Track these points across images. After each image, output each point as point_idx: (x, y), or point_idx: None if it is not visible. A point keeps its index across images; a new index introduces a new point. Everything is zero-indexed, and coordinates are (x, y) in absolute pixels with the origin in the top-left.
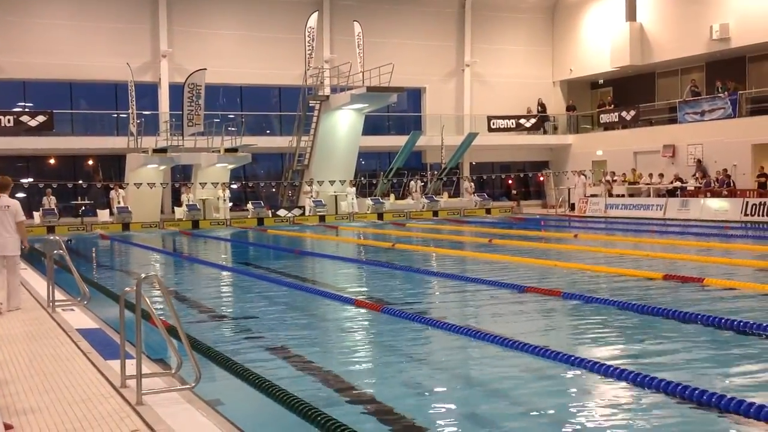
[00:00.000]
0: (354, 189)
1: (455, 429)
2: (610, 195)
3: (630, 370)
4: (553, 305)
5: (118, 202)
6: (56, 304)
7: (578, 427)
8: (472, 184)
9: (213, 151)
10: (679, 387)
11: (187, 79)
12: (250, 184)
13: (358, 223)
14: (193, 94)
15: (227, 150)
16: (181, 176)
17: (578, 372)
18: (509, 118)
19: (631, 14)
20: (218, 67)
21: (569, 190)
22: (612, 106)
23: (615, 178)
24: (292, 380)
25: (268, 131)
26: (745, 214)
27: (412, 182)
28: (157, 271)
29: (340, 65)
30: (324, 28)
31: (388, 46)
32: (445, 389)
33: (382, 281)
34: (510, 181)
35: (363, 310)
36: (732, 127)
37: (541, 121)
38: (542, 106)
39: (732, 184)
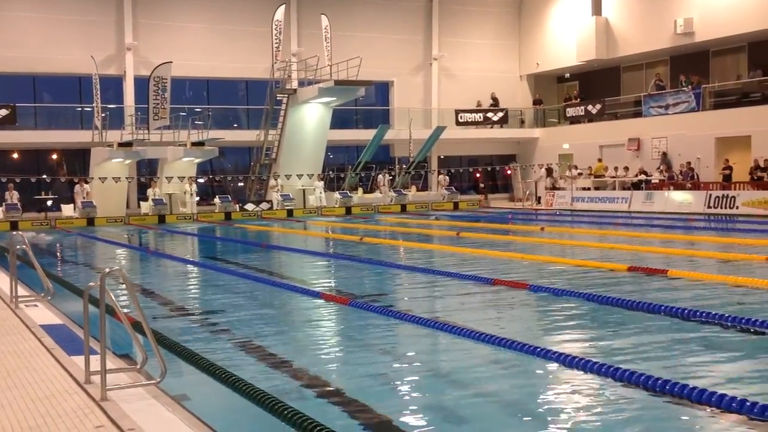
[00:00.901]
0: (322, 183)
1: (423, 421)
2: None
3: (595, 360)
4: (520, 297)
5: (83, 197)
6: (19, 299)
7: (544, 417)
8: (447, 177)
9: (179, 145)
10: (643, 377)
11: (152, 72)
12: (218, 179)
13: (326, 217)
14: (158, 88)
15: (194, 144)
16: (146, 170)
17: (545, 363)
18: (477, 111)
19: (597, 9)
20: (184, 60)
21: (536, 183)
22: (578, 99)
23: (580, 171)
24: (258, 374)
25: (235, 125)
26: (709, 207)
27: (380, 176)
28: (123, 266)
29: (307, 58)
30: (291, 21)
31: (355, 39)
32: (413, 381)
33: (351, 275)
34: (478, 175)
35: (331, 304)
36: (696, 121)
37: (506, 115)
38: (495, 100)
39: (696, 177)
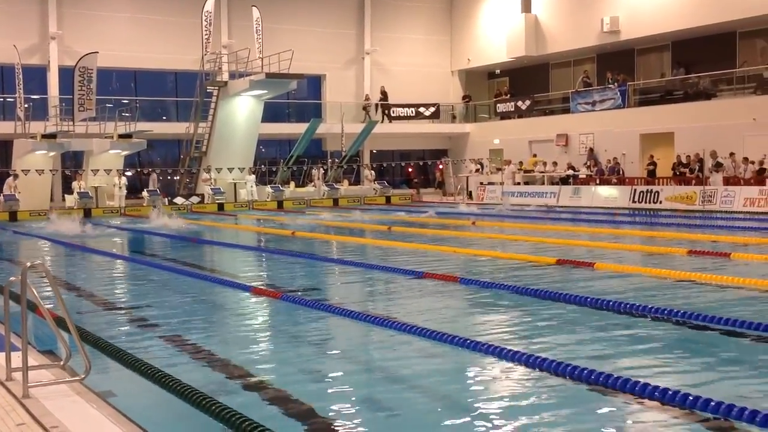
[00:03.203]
0: (253, 177)
1: (354, 414)
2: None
3: (524, 351)
4: (450, 290)
5: (11, 191)
6: None
7: (474, 408)
8: (373, 171)
9: (106, 137)
10: (570, 367)
11: (77, 62)
12: (146, 171)
13: (258, 211)
14: (84, 78)
15: (121, 136)
16: (71, 163)
17: (475, 354)
18: (409, 106)
19: (527, 6)
20: (111, 50)
21: (467, 178)
22: (508, 95)
23: (509, 166)
24: (187, 369)
25: (164, 117)
26: (633, 201)
27: (315, 170)
28: (46, 260)
29: (238, 51)
30: (221, 13)
31: (287, 32)
32: (344, 375)
33: (282, 269)
34: (410, 169)
35: (262, 298)
36: (621, 117)
37: (437, 110)
38: (384, 94)
39: (621, 173)
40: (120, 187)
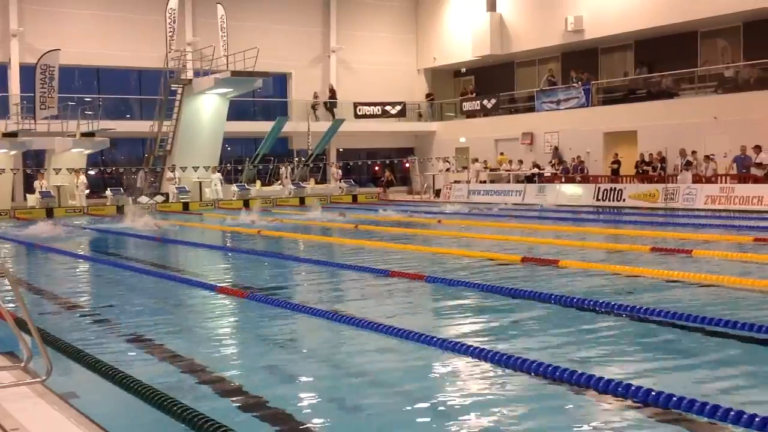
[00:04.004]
0: (219, 175)
1: (322, 413)
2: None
3: (489, 349)
4: (417, 288)
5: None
6: None
7: (441, 405)
8: (339, 170)
9: (68, 136)
10: (534, 364)
11: (39, 59)
12: (109, 170)
13: (224, 210)
14: (45, 76)
15: (83, 134)
16: (33, 162)
17: (441, 352)
18: (375, 104)
19: (492, 5)
20: (73, 47)
21: (434, 176)
22: (474, 94)
23: (475, 164)
24: (151, 370)
25: (127, 116)
26: (597, 199)
27: (283, 168)
28: (6, 260)
29: (203, 48)
30: (186, 10)
31: (252, 30)
32: (310, 373)
33: (249, 268)
34: (376, 168)
35: (228, 298)
36: (585, 116)
37: (404, 108)
38: (332, 92)
39: (585, 171)
40: (77, 186)
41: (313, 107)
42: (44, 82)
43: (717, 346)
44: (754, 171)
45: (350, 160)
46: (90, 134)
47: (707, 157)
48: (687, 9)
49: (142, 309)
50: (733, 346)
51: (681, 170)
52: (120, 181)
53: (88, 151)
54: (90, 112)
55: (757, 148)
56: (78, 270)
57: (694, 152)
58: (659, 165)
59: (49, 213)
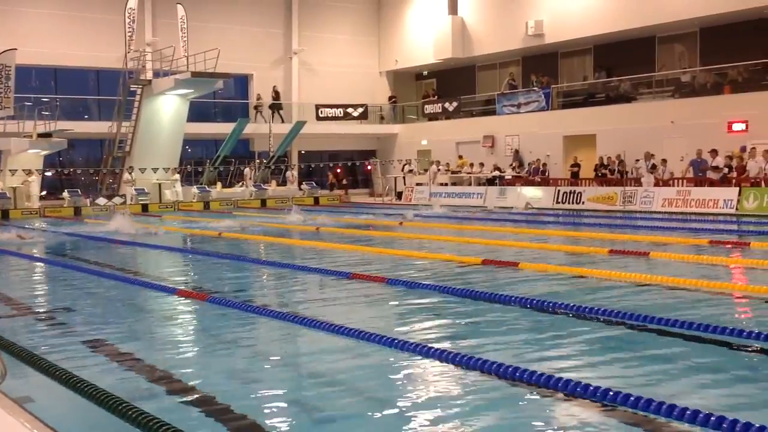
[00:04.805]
0: (179, 177)
1: (283, 416)
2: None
3: (450, 350)
4: (378, 291)
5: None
6: None
7: (403, 408)
8: (294, 172)
9: (24, 137)
10: (495, 365)
11: None
12: (66, 171)
13: (184, 212)
14: (1, 76)
15: (40, 135)
16: None
17: (402, 354)
18: (337, 106)
19: (453, 8)
20: (30, 47)
21: (395, 179)
22: (435, 97)
23: (439, 167)
24: (109, 374)
25: (85, 116)
26: (557, 202)
27: (246, 170)
28: None
29: (162, 49)
30: (145, 10)
31: (213, 30)
32: (271, 376)
33: (210, 271)
34: (338, 170)
35: (188, 300)
36: (545, 120)
37: (366, 110)
38: (276, 94)
39: (547, 174)
40: (26, 185)
41: (256, 108)
42: (0, 81)
43: (673, 346)
44: (710, 174)
45: (312, 162)
46: (47, 135)
47: (664, 161)
48: (645, 14)
49: (100, 312)
50: (689, 346)
51: (648, 172)
52: (77, 182)
53: (44, 152)
54: (47, 113)
55: (713, 152)
56: (33, 272)
57: (652, 155)
58: (616, 169)
59: (5, 215)
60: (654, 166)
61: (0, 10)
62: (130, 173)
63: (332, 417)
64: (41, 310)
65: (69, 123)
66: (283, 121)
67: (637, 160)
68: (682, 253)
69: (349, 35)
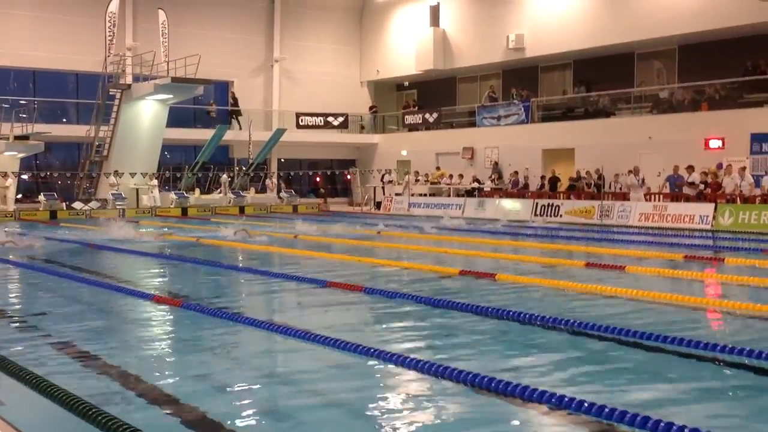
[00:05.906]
0: (157, 182)
1: (257, 423)
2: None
3: (426, 360)
4: (354, 299)
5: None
6: None
7: (378, 416)
8: (273, 180)
9: (1, 139)
10: (470, 375)
11: None
12: (43, 175)
13: (161, 217)
14: None
15: (17, 137)
16: None
17: (378, 363)
18: (317, 115)
19: (435, 20)
20: (8, 48)
21: (375, 188)
22: (416, 107)
23: (418, 177)
24: (82, 379)
25: (63, 119)
26: (535, 215)
27: (224, 176)
28: None
29: (143, 53)
30: (126, 14)
31: (194, 36)
32: (246, 384)
33: (186, 277)
34: (318, 179)
35: (163, 306)
36: (525, 132)
37: (346, 119)
38: (235, 100)
39: (527, 186)
40: (5, 189)
41: (208, 113)
42: None
43: (647, 359)
44: (686, 190)
45: (291, 170)
46: (24, 137)
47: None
48: (624, 31)
49: (74, 317)
50: (662, 360)
51: (640, 186)
52: (54, 185)
53: (21, 155)
54: (24, 115)
55: (690, 168)
56: (5, 277)
57: (630, 171)
58: (593, 182)
59: None
60: (643, 181)
61: None
62: (116, 177)
63: (304, 424)
64: (13, 315)
65: (47, 126)
66: (240, 128)
67: (616, 175)
68: (658, 267)
69: (331, 44)
